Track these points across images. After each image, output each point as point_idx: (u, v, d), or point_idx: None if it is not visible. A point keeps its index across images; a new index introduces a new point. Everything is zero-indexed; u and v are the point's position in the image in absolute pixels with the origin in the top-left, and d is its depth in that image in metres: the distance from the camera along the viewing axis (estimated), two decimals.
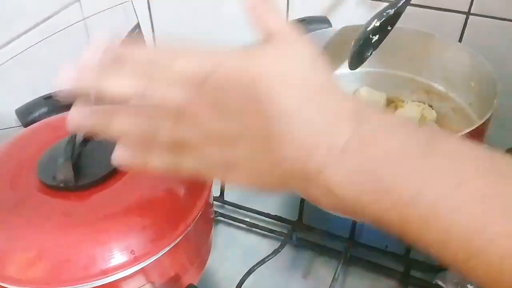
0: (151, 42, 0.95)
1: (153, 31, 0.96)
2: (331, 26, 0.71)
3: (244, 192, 0.69)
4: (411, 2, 0.61)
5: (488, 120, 0.52)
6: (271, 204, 0.69)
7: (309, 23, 0.72)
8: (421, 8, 0.72)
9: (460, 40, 0.72)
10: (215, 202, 0.68)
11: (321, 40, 0.71)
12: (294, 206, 0.66)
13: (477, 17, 0.70)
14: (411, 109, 0.69)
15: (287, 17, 0.83)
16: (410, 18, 0.74)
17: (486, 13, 0.69)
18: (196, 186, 0.47)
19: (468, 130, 0.50)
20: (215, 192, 0.67)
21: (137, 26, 0.78)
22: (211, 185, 0.49)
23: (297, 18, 0.73)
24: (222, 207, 0.69)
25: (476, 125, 0.51)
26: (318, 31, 0.71)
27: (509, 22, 0.69)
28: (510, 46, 0.70)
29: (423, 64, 0.70)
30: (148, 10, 0.93)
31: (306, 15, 0.73)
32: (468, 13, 0.69)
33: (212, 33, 0.87)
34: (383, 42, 0.65)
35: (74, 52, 0.35)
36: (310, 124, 0.31)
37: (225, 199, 0.69)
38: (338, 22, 0.72)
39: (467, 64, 0.63)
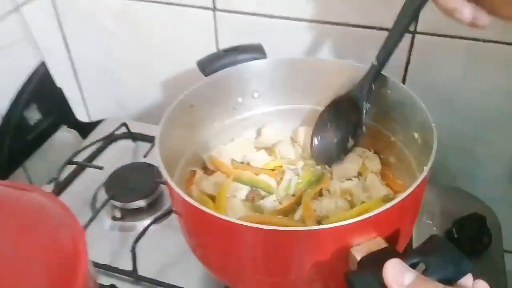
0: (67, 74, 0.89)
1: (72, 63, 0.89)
2: (265, 56, 0.62)
3: (161, 264, 0.60)
4: None
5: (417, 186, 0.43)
6: (191, 279, 0.60)
7: (241, 52, 0.63)
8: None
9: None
10: (127, 278, 0.59)
11: (254, 72, 0.62)
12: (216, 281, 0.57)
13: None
14: (351, 157, 0.60)
15: (217, 46, 0.76)
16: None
17: None
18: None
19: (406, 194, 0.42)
20: (127, 266, 0.59)
21: (43, 64, 0.72)
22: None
23: (228, 47, 0.63)
24: (136, 283, 0.60)
25: (407, 193, 0.42)
26: (253, 62, 0.62)
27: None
28: None
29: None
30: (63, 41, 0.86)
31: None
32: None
33: (143, 64, 0.84)
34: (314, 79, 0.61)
35: None
36: None
37: (139, 273, 0.59)
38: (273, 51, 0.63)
39: (408, 110, 0.53)
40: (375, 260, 0.39)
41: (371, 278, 0.36)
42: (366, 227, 0.41)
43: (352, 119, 0.58)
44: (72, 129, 0.86)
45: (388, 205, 0.40)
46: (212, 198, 0.58)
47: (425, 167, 0.44)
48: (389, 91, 0.57)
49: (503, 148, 0.72)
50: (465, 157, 0.75)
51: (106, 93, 0.92)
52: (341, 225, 0.40)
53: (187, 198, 0.44)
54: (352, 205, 0.56)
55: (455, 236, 0.60)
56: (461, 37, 0.64)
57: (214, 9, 0.74)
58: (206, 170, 0.62)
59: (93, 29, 0.83)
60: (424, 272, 0.35)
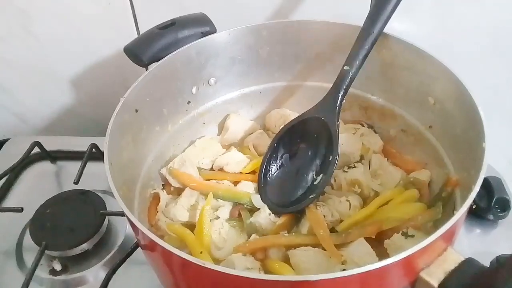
0: None
1: None
2: (214, 30, 0.48)
3: None
4: None
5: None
6: None
7: (181, 27, 0.48)
8: None
9: None
10: None
11: (207, 52, 0.48)
12: None
13: None
14: (347, 138, 0.48)
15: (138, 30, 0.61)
16: None
17: None
18: None
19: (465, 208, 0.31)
20: None
21: None
22: None
23: (162, 22, 0.48)
24: None
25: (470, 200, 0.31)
26: (202, 39, 0.47)
27: None
28: None
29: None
30: None
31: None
32: None
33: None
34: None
35: None
36: None
37: None
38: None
39: (421, 72, 0.43)
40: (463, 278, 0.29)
41: None
42: (434, 246, 0.30)
43: (321, 145, 0.46)
44: None
45: (458, 214, 0.31)
46: (188, 225, 0.44)
47: (483, 165, 0.34)
48: (390, 55, 0.46)
49: None
50: None
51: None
52: (404, 257, 0.28)
53: (162, 243, 0.31)
54: (363, 197, 0.46)
55: (473, 206, 0.52)
56: None
57: None
58: (169, 188, 0.47)
59: None
60: None
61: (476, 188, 0.32)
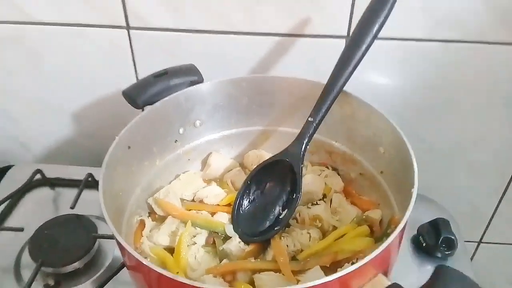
0: None
1: None
2: (201, 80, 0.55)
3: None
4: None
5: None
6: None
7: (172, 76, 0.55)
8: None
9: None
10: None
11: (194, 98, 0.55)
12: None
13: None
14: (312, 178, 0.56)
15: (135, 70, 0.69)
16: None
17: None
18: None
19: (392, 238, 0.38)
20: None
21: None
22: None
23: (157, 71, 0.56)
24: None
25: (398, 230, 0.38)
26: (190, 88, 0.55)
27: None
28: None
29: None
30: None
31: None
32: None
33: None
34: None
35: None
36: None
37: None
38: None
39: (373, 125, 0.50)
40: None
41: None
42: (367, 269, 0.37)
43: (287, 184, 0.53)
44: None
45: (385, 244, 0.37)
46: (168, 249, 0.50)
47: (411, 202, 0.41)
48: (350, 109, 0.54)
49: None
50: None
51: (3, 136, 0.80)
52: (343, 275, 0.35)
53: (146, 262, 0.38)
54: (323, 231, 0.52)
55: (423, 243, 0.58)
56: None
57: (128, 27, 0.65)
58: (154, 216, 0.54)
59: None
60: None
61: (400, 225, 0.38)
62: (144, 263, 0.37)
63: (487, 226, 0.87)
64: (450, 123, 0.72)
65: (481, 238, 0.89)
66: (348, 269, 0.35)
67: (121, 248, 0.41)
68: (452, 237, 0.59)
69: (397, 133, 0.47)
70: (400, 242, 0.44)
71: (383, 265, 0.39)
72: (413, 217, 0.62)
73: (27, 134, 0.80)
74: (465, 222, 0.84)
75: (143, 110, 0.56)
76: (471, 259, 0.94)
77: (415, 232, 0.61)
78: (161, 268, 0.37)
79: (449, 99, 0.69)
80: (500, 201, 0.82)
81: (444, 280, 0.35)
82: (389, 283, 0.37)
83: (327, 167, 0.59)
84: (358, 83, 0.54)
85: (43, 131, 0.79)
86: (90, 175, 0.65)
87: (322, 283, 0.35)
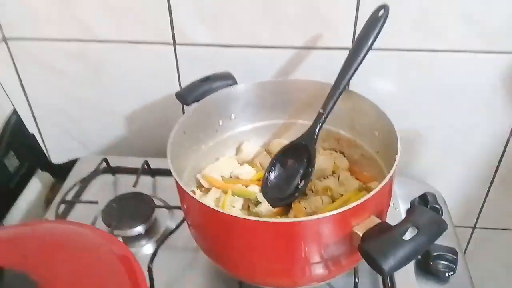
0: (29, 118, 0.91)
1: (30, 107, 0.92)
2: (236, 83, 0.71)
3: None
4: None
5: (393, 174, 0.54)
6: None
7: (214, 80, 0.71)
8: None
9: None
10: None
11: (230, 97, 0.70)
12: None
13: None
14: (324, 159, 0.70)
15: (180, 87, 0.84)
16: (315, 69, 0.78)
17: None
18: None
19: (379, 187, 0.51)
20: None
21: (15, 112, 0.76)
22: None
23: (202, 77, 0.71)
24: None
25: (384, 182, 0.52)
26: (227, 88, 0.70)
27: None
28: None
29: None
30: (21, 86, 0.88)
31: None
32: None
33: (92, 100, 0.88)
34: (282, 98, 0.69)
35: None
36: None
37: None
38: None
39: (369, 115, 0.65)
40: (376, 232, 0.49)
41: (380, 244, 0.46)
42: (362, 210, 0.51)
43: (303, 162, 0.66)
44: (46, 172, 0.88)
45: (377, 189, 0.51)
46: None
47: (395, 163, 0.55)
48: (352, 103, 0.68)
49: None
50: None
51: (66, 135, 0.95)
52: (343, 210, 0.49)
53: (201, 200, 0.52)
54: (333, 199, 0.66)
55: None
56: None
57: (174, 43, 0.81)
58: (201, 188, 0.69)
59: (48, 72, 0.86)
60: (417, 234, 0.46)
61: (389, 175, 0.52)
62: (201, 202, 0.51)
63: (479, 213, 0.98)
64: (442, 119, 0.84)
65: (475, 224, 1.01)
66: (346, 207, 0.48)
67: (184, 193, 0.54)
68: (438, 206, 0.72)
69: (387, 119, 0.60)
70: (390, 191, 0.57)
71: (376, 208, 0.53)
72: (407, 192, 0.77)
73: (86, 133, 0.94)
74: (459, 208, 0.97)
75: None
76: (467, 243, 1.05)
77: (409, 206, 0.75)
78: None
79: (439, 100, 0.81)
80: (489, 189, 0.94)
81: (415, 214, 0.48)
82: (380, 220, 0.51)
83: (336, 151, 0.72)
84: (359, 84, 0.69)
85: (100, 131, 0.93)
86: (146, 162, 0.81)
87: (326, 216, 0.48)
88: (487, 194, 0.95)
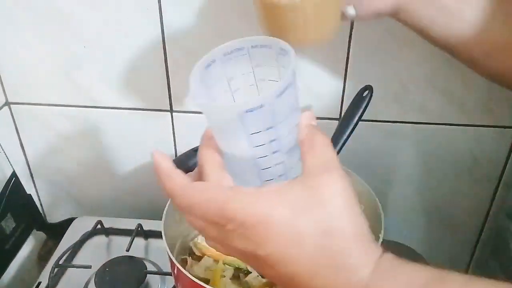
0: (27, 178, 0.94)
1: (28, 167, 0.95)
2: None
3: None
4: None
5: None
6: None
7: None
8: None
9: None
10: None
11: None
12: None
13: None
14: None
15: (176, 151, 0.87)
16: None
17: None
18: None
19: None
20: None
21: (13, 174, 0.79)
22: None
23: (196, 146, 0.74)
24: None
25: None
26: None
27: None
28: None
29: None
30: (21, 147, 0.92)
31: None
32: None
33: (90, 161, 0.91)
34: None
35: None
36: None
37: None
38: None
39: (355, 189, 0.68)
40: None
41: None
42: None
43: None
44: (39, 232, 0.90)
45: None
46: (204, 280, 0.67)
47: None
48: None
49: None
50: None
51: (62, 194, 0.97)
52: None
53: (197, 281, 0.54)
54: None
55: None
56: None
57: (172, 110, 0.85)
58: (193, 256, 0.71)
59: (49, 134, 0.89)
60: None
61: None
62: (196, 281, 0.54)
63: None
64: (427, 186, 0.88)
65: None
66: None
67: (177, 270, 0.57)
68: None
69: (371, 193, 0.64)
70: None
71: None
72: None
73: (82, 193, 0.96)
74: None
75: None
76: None
77: None
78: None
79: (423, 168, 0.86)
80: (473, 252, 0.97)
81: None
82: None
83: None
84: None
85: (96, 191, 0.96)
86: (140, 225, 0.83)
87: None
88: (471, 257, 0.97)
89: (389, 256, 0.35)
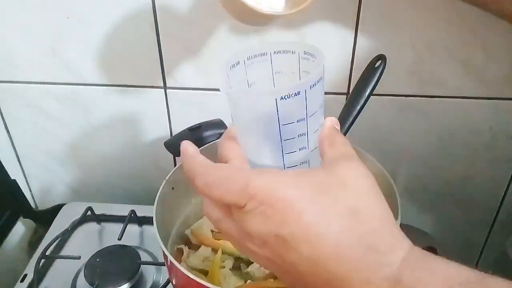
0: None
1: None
2: None
3: None
4: None
5: None
6: None
7: (205, 129, 0.68)
8: None
9: None
10: None
11: None
12: None
13: None
14: None
15: (171, 131, 0.82)
16: None
17: None
18: None
19: None
20: None
21: None
22: None
23: (192, 125, 0.68)
24: None
25: None
26: (216, 140, 0.67)
27: None
28: None
29: None
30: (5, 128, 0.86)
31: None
32: None
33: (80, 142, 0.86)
34: None
35: None
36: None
37: None
38: None
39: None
40: None
41: None
42: None
43: None
44: (28, 219, 0.84)
45: None
46: (201, 272, 0.61)
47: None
48: None
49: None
50: None
51: (52, 177, 0.92)
52: None
53: (190, 275, 0.49)
54: None
55: None
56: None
57: (165, 87, 0.78)
58: (190, 245, 0.65)
59: (35, 114, 0.84)
60: None
61: None
62: (189, 275, 0.48)
63: (479, 257, 0.96)
64: (441, 165, 0.82)
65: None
66: None
67: (171, 265, 0.51)
68: None
69: (386, 175, 0.58)
70: None
71: None
72: None
73: (75, 177, 0.92)
74: (459, 253, 0.94)
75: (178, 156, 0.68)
76: None
77: None
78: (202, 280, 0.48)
79: (438, 146, 0.80)
80: (489, 234, 0.92)
81: None
82: None
83: None
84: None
85: (87, 174, 0.91)
86: (133, 211, 0.77)
87: None
88: (487, 239, 0.92)
89: (419, 248, 0.33)
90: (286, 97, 0.34)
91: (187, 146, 0.38)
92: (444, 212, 0.89)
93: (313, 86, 0.35)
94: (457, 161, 0.82)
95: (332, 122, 0.39)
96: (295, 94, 0.34)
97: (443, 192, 0.86)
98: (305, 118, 0.36)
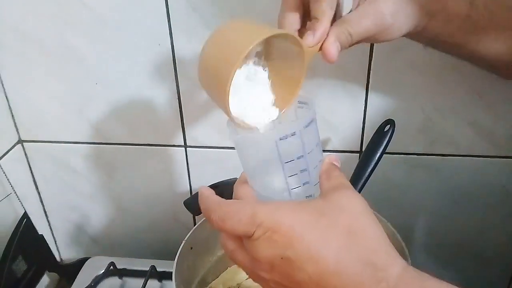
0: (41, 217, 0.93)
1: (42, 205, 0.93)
2: None
3: None
4: None
5: None
6: None
7: (223, 189, 0.71)
8: None
9: None
10: None
11: None
12: None
13: None
14: None
15: (190, 188, 0.85)
16: None
17: None
18: None
19: None
20: None
21: (25, 215, 0.77)
22: None
23: (210, 184, 0.72)
24: None
25: None
26: None
27: None
28: None
29: None
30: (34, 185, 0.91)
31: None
32: None
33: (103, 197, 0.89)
34: None
35: None
36: None
37: None
38: None
39: None
40: None
41: None
42: None
43: None
44: (53, 273, 0.87)
45: None
46: None
47: None
48: None
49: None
50: None
51: (76, 231, 0.96)
52: None
53: None
54: None
55: None
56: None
57: (186, 146, 0.82)
58: None
59: (62, 171, 0.88)
60: None
61: None
62: None
63: None
64: (455, 219, 0.83)
65: None
66: None
67: None
68: None
69: (396, 235, 0.60)
70: None
71: None
72: None
73: (96, 230, 0.95)
74: None
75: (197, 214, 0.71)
76: None
77: None
78: None
79: (451, 201, 0.81)
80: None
81: None
82: None
83: None
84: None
85: (110, 228, 0.94)
86: (153, 267, 0.80)
87: None
88: None
89: (413, 267, 0.36)
90: (284, 137, 0.40)
91: (203, 189, 0.43)
92: (460, 266, 0.89)
93: (307, 126, 0.40)
94: (471, 216, 0.82)
95: (331, 159, 0.43)
96: (292, 134, 0.40)
97: (459, 245, 0.86)
98: (304, 155, 0.41)
